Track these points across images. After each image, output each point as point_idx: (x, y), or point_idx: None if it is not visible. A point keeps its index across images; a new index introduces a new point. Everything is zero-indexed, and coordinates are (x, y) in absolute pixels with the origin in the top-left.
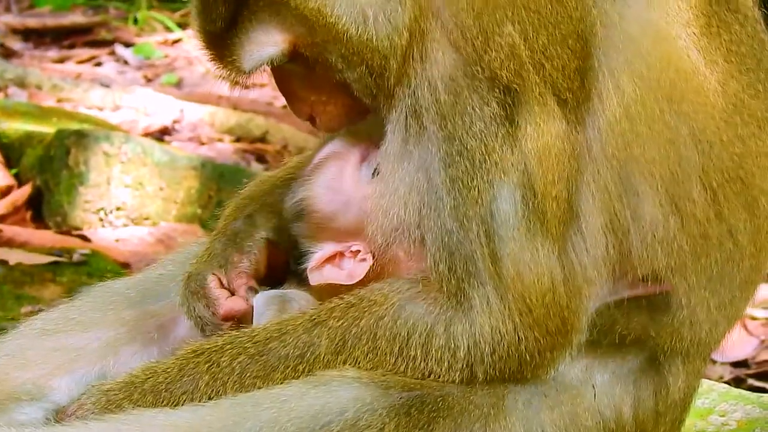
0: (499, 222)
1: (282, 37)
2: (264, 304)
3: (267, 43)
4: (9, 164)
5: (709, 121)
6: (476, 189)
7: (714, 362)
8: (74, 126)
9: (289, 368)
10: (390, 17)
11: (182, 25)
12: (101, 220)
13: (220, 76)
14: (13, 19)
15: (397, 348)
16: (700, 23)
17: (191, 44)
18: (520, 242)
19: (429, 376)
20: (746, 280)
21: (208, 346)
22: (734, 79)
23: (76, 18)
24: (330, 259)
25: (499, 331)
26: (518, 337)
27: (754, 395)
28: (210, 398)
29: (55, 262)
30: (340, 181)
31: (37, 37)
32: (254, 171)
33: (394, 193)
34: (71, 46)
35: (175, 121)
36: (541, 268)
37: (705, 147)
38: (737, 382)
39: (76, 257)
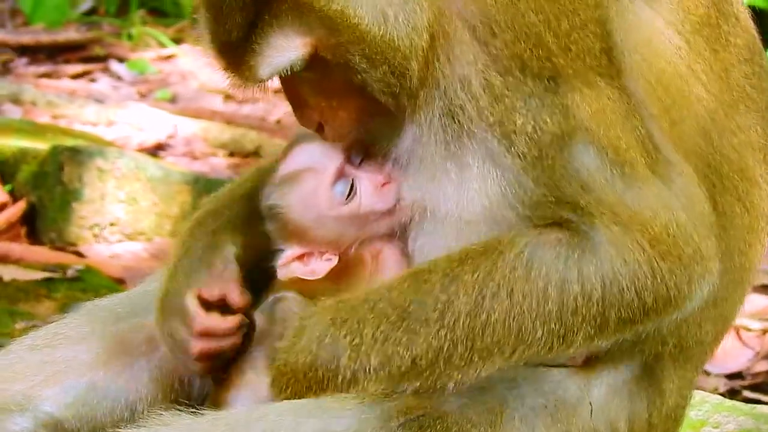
0: (588, 176)
1: (303, 40)
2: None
3: (287, 47)
4: (3, 180)
5: (718, 105)
6: (548, 158)
7: (708, 374)
8: (68, 142)
9: (431, 335)
10: (409, 17)
11: (176, 41)
12: (96, 235)
13: (233, 84)
14: (6, 36)
15: (535, 303)
16: (699, 12)
17: (185, 59)
18: (619, 188)
19: (561, 335)
20: (737, 281)
21: (347, 317)
22: (735, 68)
23: (70, 34)
24: (299, 257)
25: (631, 263)
26: (651, 269)
27: (747, 406)
28: (354, 372)
29: (50, 278)
30: (315, 198)
31: (32, 53)
32: None
33: (468, 189)
34: (65, 62)
35: (169, 137)
36: (652, 203)
37: (714, 131)
38: (732, 394)
39: (70, 273)
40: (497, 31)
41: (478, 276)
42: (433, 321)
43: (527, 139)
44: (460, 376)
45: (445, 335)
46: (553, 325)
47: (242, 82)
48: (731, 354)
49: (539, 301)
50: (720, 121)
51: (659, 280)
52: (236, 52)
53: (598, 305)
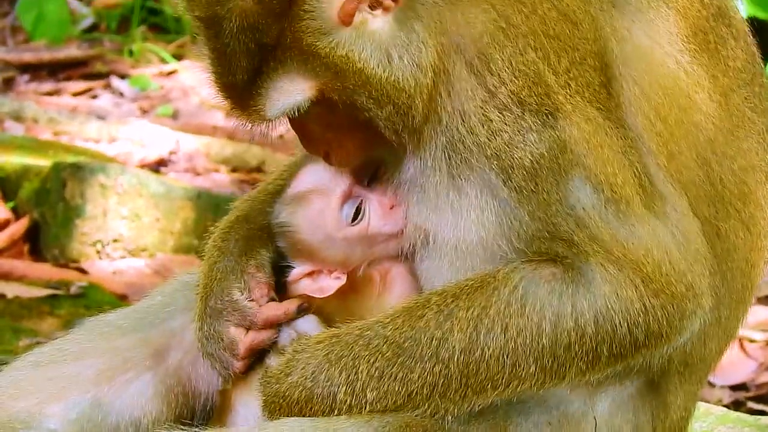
0: (583, 212)
1: (309, 84)
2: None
3: (293, 91)
4: (6, 197)
5: (717, 133)
6: (544, 192)
7: (713, 386)
8: (71, 159)
9: (426, 371)
10: (413, 57)
11: (177, 57)
12: (98, 252)
13: (240, 124)
14: (8, 53)
15: (529, 339)
16: (698, 39)
17: (186, 75)
18: (614, 225)
19: (554, 370)
20: (738, 299)
21: (342, 353)
22: (734, 92)
23: (72, 51)
24: (309, 274)
25: (624, 300)
26: (644, 306)
27: (752, 418)
28: (350, 406)
29: (53, 295)
30: (322, 219)
31: (33, 70)
32: None
33: (466, 219)
34: (67, 79)
35: (171, 153)
36: (645, 242)
37: (714, 159)
38: (736, 406)
39: (73, 290)
40: (494, 68)
41: (472, 312)
42: (428, 357)
43: (524, 173)
44: (455, 409)
45: (440, 371)
46: (546, 361)
47: (249, 122)
48: (735, 365)
49: (533, 337)
50: (720, 147)
51: (651, 317)
52: (242, 95)
53: (591, 340)
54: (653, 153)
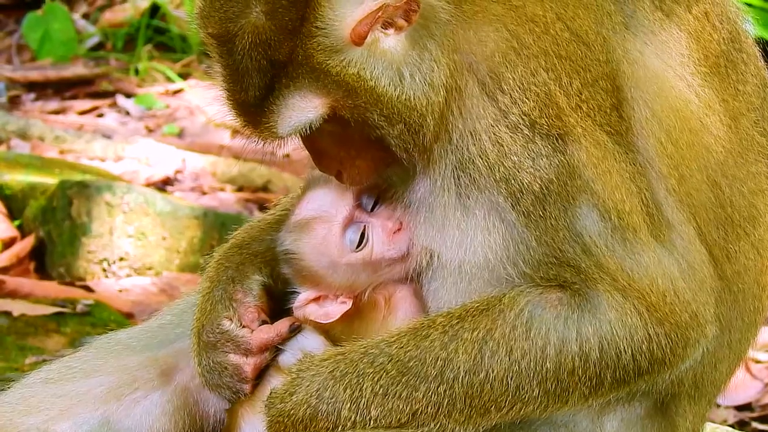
0: (590, 240)
1: (321, 101)
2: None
3: (305, 108)
4: (12, 216)
5: (727, 156)
6: (552, 218)
7: (718, 406)
8: (76, 177)
9: (431, 391)
10: (426, 76)
11: (183, 76)
12: (104, 270)
13: (251, 142)
14: (14, 72)
15: (533, 362)
16: (709, 62)
17: (192, 94)
18: (620, 254)
19: (557, 394)
20: (749, 322)
21: (347, 370)
22: (744, 116)
23: (78, 69)
24: (314, 299)
25: (629, 327)
26: (648, 334)
27: None
28: (354, 423)
29: (59, 313)
30: (326, 246)
31: (39, 89)
32: None
33: (473, 239)
34: (73, 98)
35: (177, 171)
36: (651, 271)
37: (724, 182)
38: (741, 426)
39: (79, 308)
40: (506, 88)
41: (477, 334)
42: (433, 377)
43: (533, 198)
44: (459, 429)
45: (444, 391)
46: (549, 385)
47: (260, 139)
48: (740, 386)
49: (537, 360)
50: (730, 170)
51: (655, 344)
52: (254, 112)
53: (594, 366)
54: (663, 176)
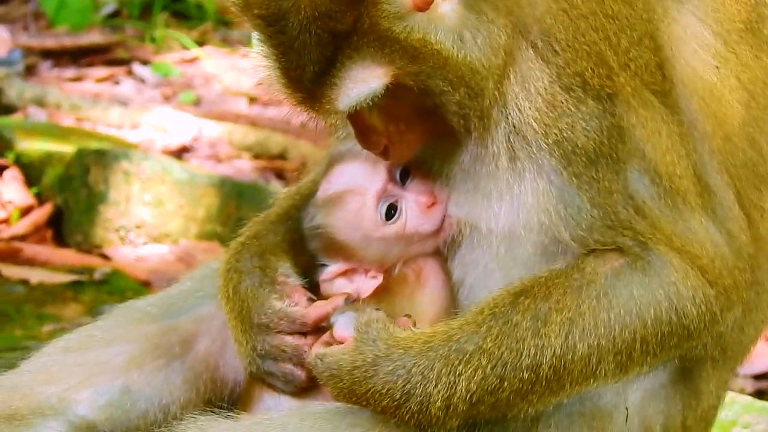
0: (641, 202)
1: (384, 70)
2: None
3: (367, 79)
4: (29, 184)
5: (763, 112)
6: (605, 180)
7: (736, 374)
8: (93, 145)
9: (517, 378)
10: (486, 38)
11: (199, 43)
12: (122, 238)
13: (309, 117)
14: (30, 39)
15: (614, 334)
16: (742, 18)
17: (209, 62)
18: (671, 217)
19: (625, 364)
20: None
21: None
22: None
23: (94, 37)
24: (343, 273)
25: (690, 287)
26: (704, 294)
27: None
28: (444, 405)
29: (77, 281)
30: (359, 219)
31: (56, 56)
32: (273, 188)
33: (525, 204)
34: (89, 65)
35: (193, 139)
36: (699, 236)
37: (761, 141)
38: (759, 395)
39: (97, 276)
40: (558, 49)
41: (567, 314)
42: (526, 366)
43: (585, 160)
44: (528, 409)
45: (528, 378)
46: (623, 356)
47: (318, 115)
48: (758, 355)
49: (618, 332)
50: (766, 127)
51: (706, 307)
52: (312, 87)
53: (663, 330)
54: (708, 136)
